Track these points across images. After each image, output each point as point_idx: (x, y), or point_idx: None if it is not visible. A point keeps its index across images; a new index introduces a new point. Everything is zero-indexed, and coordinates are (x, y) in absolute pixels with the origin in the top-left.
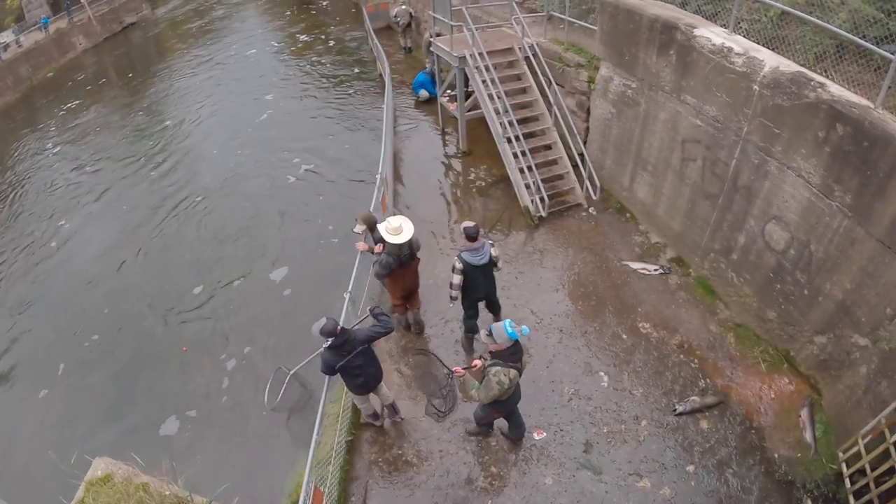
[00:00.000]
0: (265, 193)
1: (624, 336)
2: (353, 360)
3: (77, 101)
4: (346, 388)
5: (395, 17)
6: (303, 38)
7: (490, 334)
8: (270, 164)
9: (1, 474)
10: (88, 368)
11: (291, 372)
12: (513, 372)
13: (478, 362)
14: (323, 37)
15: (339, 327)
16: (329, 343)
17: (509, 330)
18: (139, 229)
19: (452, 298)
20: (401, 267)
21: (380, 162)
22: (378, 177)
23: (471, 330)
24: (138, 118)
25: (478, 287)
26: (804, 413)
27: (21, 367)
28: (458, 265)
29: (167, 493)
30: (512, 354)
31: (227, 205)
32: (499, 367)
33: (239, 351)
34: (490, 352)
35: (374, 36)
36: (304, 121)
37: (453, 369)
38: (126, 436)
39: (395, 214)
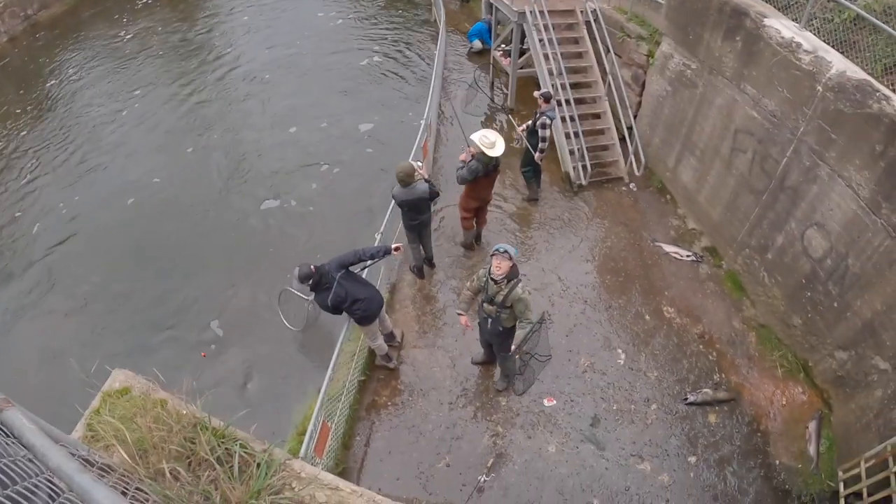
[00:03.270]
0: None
1: (647, 317)
2: (339, 292)
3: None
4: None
5: None
6: None
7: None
8: (304, 113)
9: (24, 382)
10: (126, 276)
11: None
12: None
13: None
14: None
15: (311, 266)
16: (310, 285)
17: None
18: (196, 140)
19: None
20: (485, 176)
21: (426, 108)
22: (423, 122)
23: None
24: (188, 35)
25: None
26: (812, 426)
27: (55, 274)
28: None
29: (184, 411)
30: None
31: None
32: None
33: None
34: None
35: None
36: (350, 57)
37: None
38: (153, 350)
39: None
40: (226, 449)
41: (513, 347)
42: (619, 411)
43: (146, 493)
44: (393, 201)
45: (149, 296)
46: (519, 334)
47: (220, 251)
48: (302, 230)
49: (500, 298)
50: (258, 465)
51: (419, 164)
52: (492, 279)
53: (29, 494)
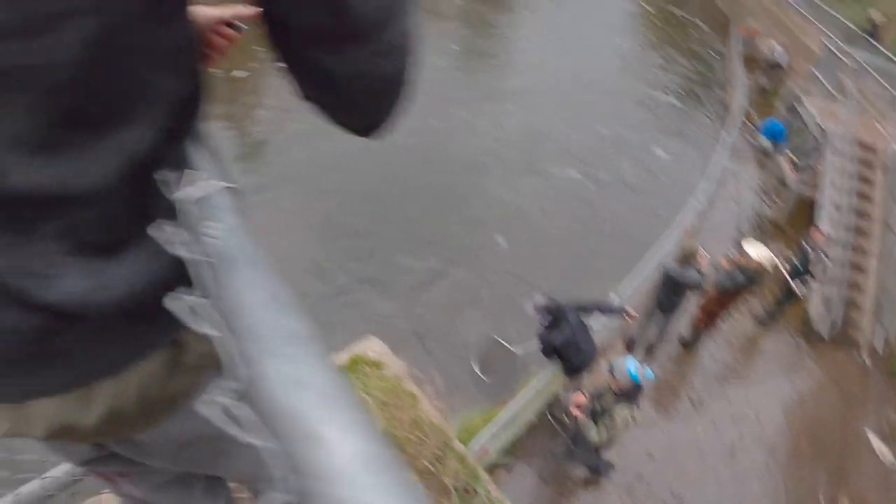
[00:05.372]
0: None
1: (821, 500)
2: (568, 335)
3: None
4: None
5: (772, 52)
6: (657, 22)
7: (611, 370)
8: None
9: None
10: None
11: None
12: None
13: (580, 398)
14: (678, 33)
15: (552, 303)
16: (547, 320)
17: (632, 372)
18: None
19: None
20: (741, 289)
21: (698, 190)
22: (695, 200)
23: None
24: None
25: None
26: None
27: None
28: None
29: (435, 421)
30: (630, 396)
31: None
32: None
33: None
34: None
35: (738, 60)
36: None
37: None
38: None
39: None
40: (466, 484)
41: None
42: None
43: None
44: (658, 271)
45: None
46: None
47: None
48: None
49: (604, 404)
50: None
51: (706, 253)
52: (611, 388)
53: None
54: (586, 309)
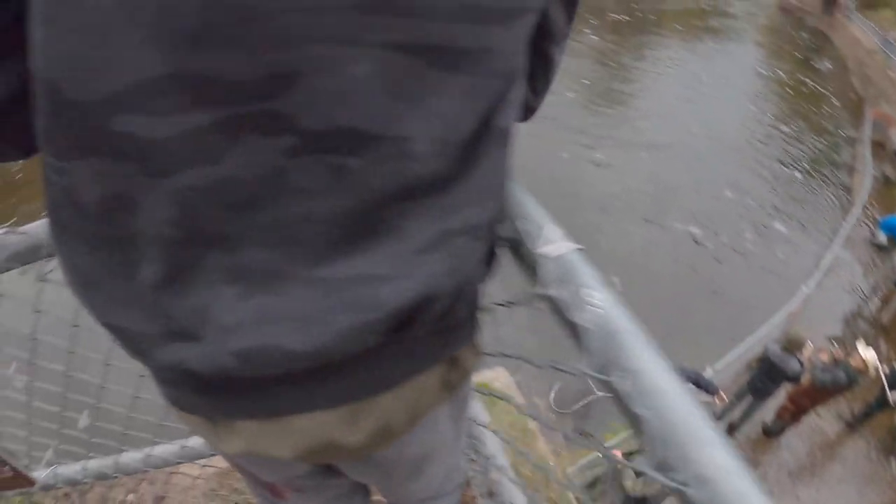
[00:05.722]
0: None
1: None
2: None
3: None
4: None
5: None
6: (789, 90)
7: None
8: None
9: None
10: None
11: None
12: None
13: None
14: (810, 106)
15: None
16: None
17: None
18: None
19: None
20: (842, 388)
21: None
22: (805, 286)
23: None
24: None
25: None
26: None
27: None
28: None
29: (551, 463)
30: None
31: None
32: None
33: None
34: None
35: (868, 145)
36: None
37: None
38: None
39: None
40: None
41: None
42: None
43: None
44: (763, 349)
45: None
46: None
47: None
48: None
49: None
50: None
51: (811, 345)
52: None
53: None
54: (686, 377)
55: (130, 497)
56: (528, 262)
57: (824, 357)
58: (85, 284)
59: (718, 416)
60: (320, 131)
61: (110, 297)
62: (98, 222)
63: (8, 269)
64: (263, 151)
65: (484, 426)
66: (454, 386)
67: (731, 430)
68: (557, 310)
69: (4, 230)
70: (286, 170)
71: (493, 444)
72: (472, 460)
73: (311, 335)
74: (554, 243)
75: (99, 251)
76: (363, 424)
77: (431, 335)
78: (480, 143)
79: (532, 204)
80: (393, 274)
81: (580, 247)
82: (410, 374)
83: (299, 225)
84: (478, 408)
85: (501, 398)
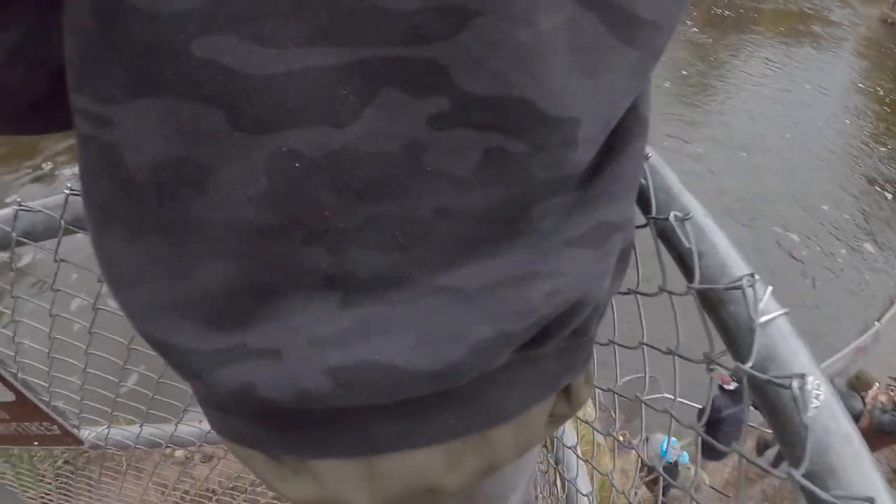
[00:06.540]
0: None
1: None
2: (737, 412)
3: None
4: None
5: None
6: (886, 107)
7: (646, 441)
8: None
9: None
10: None
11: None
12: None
13: None
14: None
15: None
16: (730, 384)
17: (663, 449)
18: None
19: None
20: (891, 428)
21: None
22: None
23: None
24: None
25: None
26: None
27: None
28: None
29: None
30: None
31: None
32: None
33: None
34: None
35: None
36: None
37: None
38: None
39: None
40: None
41: None
42: None
43: None
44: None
45: None
46: None
47: None
48: None
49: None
50: None
51: (879, 387)
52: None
53: None
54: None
55: (179, 452)
56: (720, 316)
57: (884, 398)
58: (121, 282)
59: (769, 445)
60: (482, 98)
61: (154, 301)
62: (147, 197)
63: (20, 245)
64: (403, 117)
65: (572, 448)
66: (558, 421)
67: (778, 461)
68: (764, 395)
69: (16, 206)
70: (426, 146)
71: (573, 466)
72: (554, 483)
73: (438, 351)
74: (761, 301)
75: (144, 238)
76: (467, 463)
77: (558, 355)
78: (630, 131)
79: (716, 232)
80: (542, 270)
81: (786, 310)
82: (530, 402)
83: (430, 221)
84: (566, 427)
85: (585, 422)
